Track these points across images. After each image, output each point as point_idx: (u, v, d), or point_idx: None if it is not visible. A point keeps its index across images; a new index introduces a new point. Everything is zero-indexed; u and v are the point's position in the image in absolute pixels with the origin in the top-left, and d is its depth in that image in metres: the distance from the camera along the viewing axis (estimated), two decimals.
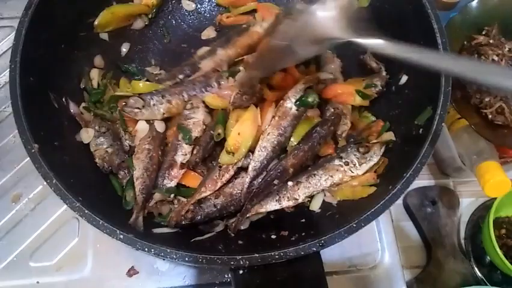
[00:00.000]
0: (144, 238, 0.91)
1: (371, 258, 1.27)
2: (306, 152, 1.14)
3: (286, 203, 1.11)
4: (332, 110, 1.22)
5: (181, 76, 1.27)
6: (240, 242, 1.04)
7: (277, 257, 0.89)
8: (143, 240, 0.90)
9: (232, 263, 0.90)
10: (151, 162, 1.13)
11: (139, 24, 1.40)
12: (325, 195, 1.16)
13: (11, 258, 1.23)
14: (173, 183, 1.13)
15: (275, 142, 1.13)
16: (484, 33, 1.45)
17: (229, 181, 1.14)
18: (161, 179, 1.13)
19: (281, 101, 1.17)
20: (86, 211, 0.92)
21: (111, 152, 1.17)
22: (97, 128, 1.19)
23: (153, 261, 1.23)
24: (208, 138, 1.16)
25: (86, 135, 1.18)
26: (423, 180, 1.47)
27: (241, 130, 1.12)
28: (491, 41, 1.42)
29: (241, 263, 0.89)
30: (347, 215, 0.99)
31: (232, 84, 1.20)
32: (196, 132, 1.16)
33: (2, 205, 1.29)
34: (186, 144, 1.14)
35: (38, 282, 1.20)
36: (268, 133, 1.13)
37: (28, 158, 0.97)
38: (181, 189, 1.16)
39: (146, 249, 0.89)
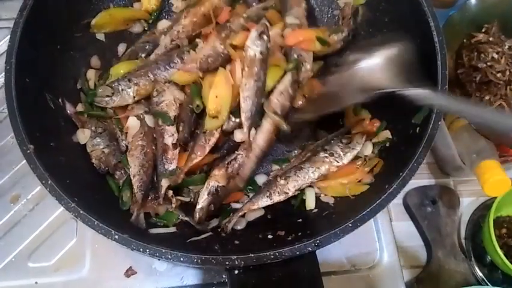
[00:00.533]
0: (139, 238, 0.91)
1: (370, 258, 1.26)
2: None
3: (277, 198, 1.13)
4: (295, 56, 1.26)
5: (143, 55, 1.30)
6: (236, 242, 1.03)
7: (272, 257, 0.89)
8: (138, 241, 0.90)
9: (227, 263, 0.90)
10: (146, 158, 1.14)
11: (137, 28, 1.40)
12: (317, 192, 1.19)
13: (9, 258, 1.23)
14: (173, 165, 1.15)
15: (254, 88, 1.14)
16: (483, 30, 1.45)
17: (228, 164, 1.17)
18: (161, 166, 1.14)
19: (243, 53, 1.17)
20: (81, 211, 0.92)
21: (108, 153, 1.17)
22: (93, 128, 1.19)
23: (151, 262, 1.23)
24: (189, 112, 1.19)
25: (83, 135, 1.19)
26: (423, 179, 1.45)
27: (217, 92, 1.14)
28: (490, 39, 1.41)
29: (236, 263, 0.89)
30: (343, 215, 0.99)
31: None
32: (172, 112, 1.18)
33: (1, 206, 1.29)
34: (168, 125, 1.16)
35: (36, 282, 1.21)
36: (245, 84, 1.14)
37: None
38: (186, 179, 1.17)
39: (141, 249, 0.90)
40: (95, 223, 0.91)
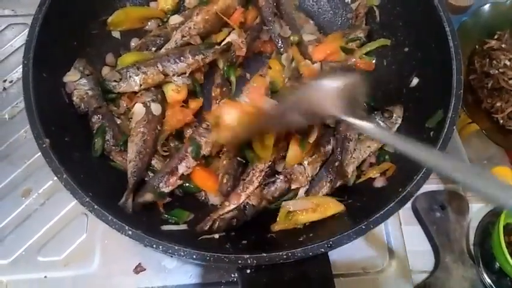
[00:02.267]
0: (152, 235, 0.91)
1: (379, 261, 1.26)
2: None
3: (338, 183, 1.17)
4: (328, 68, 1.31)
5: (153, 48, 1.32)
6: (247, 241, 1.03)
7: (285, 257, 0.89)
8: (151, 237, 0.91)
9: (239, 261, 0.90)
10: (144, 146, 1.15)
11: (152, 27, 1.41)
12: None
13: (19, 252, 1.24)
14: (167, 190, 1.15)
15: None
16: (496, 37, 1.45)
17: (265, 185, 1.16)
18: (157, 181, 1.14)
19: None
20: (96, 206, 0.93)
21: (91, 95, 1.19)
22: (81, 68, 1.20)
23: (160, 259, 1.23)
24: (236, 165, 1.17)
25: (72, 76, 1.19)
26: (432, 184, 1.44)
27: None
28: (503, 46, 1.42)
29: (249, 262, 0.89)
30: (356, 217, 0.99)
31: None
32: (205, 151, 1.18)
33: (12, 200, 1.30)
34: (192, 158, 1.16)
35: (45, 276, 1.21)
36: None
37: (39, 153, 0.98)
38: (185, 185, 1.18)
39: (154, 245, 0.90)
40: (109, 218, 0.92)
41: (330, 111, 0.94)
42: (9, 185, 1.32)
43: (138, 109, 1.20)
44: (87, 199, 0.93)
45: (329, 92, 0.95)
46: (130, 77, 1.22)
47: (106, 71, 1.30)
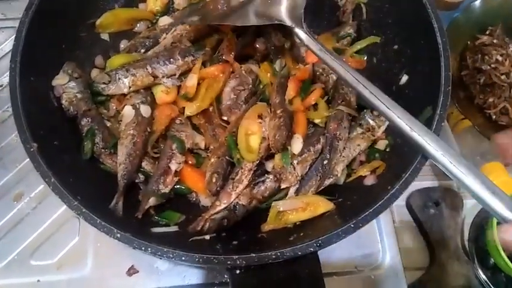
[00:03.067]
0: (141, 237, 0.91)
1: (372, 259, 1.26)
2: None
3: (328, 181, 1.17)
4: (321, 69, 1.31)
5: (142, 50, 1.31)
6: (238, 241, 1.03)
7: (274, 257, 0.89)
8: (140, 239, 0.90)
9: (228, 262, 0.90)
10: (134, 148, 1.15)
11: (141, 28, 1.40)
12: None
13: (12, 256, 1.24)
14: (167, 190, 1.14)
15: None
16: (487, 33, 1.45)
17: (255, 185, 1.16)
18: (156, 184, 1.13)
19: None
20: (84, 210, 0.93)
21: (80, 98, 1.19)
22: (69, 72, 1.21)
23: (153, 261, 1.23)
24: (225, 165, 1.17)
25: (61, 79, 1.19)
26: (426, 181, 1.45)
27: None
28: (495, 41, 1.42)
29: (238, 262, 0.89)
30: (345, 216, 0.98)
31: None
32: (188, 144, 1.19)
33: (4, 204, 1.30)
34: (179, 153, 1.16)
35: (38, 280, 1.21)
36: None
37: None
38: (177, 187, 1.17)
39: (143, 248, 0.90)
40: (98, 221, 0.92)
41: (281, 16, 1.09)
42: (1, 189, 1.33)
43: (127, 111, 1.19)
44: (75, 202, 0.93)
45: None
46: (119, 79, 1.21)
47: (95, 73, 1.30)
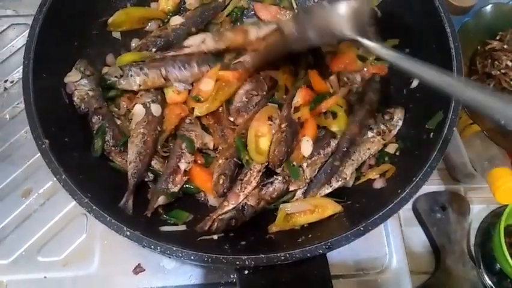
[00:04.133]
0: (151, 235, 0.91)
1: (379, 262, 1.26)
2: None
3: (336, 184, 1.18)
4: (346, 78, 1.30)
5: (153, 49, 1.30)
6: (246, 242, 1.03)
7: (282, 258, 0.89)
8: (149, 238, 0.91)
9: (237, 262, 0.90)
10: (144, 147, 1.15)
11: (153, 27, 1.40)
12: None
13: (19, 252, 1.24)
14: (176, 189, 1.15)
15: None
16: (498, 38, 1.44)
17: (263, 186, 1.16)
18: (165, 183, 1.14)
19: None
20: (94, 207, 0.93)
21: (92, 95, 1.20)
22: (82, 69, 1.21)
23: (159, 259, 1.23)
24: (233, 166, 1.16)
25: (73, 76, 1.19)
26: (433, 185, 1.45)
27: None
28: (505, 46, 1.41)
29: (247, 263, 0.89)
30: (354, 219, 0.98)
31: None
32: (198, 143, 1.19)
33: (13, 200, 1.31)
34: (189, 153, 1.17)
35: (45, 277, 1.22)
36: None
37: (39, 154, 0.98)
38: (186, 186, 1.18)
39: (152, 246, 0.90)
40: (108, 219, 0.92)
41: (343, 30, 1.01)
42: (9, 185, 1.33)
43: (138, 110, 1.19)
44: (86, 200, 0.93)
45: (339, 13, 1.02)
46: (131, 75, 1.22)
47: (106, 71, 1.29)
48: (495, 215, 1.38)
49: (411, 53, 1.24)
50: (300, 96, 1.22)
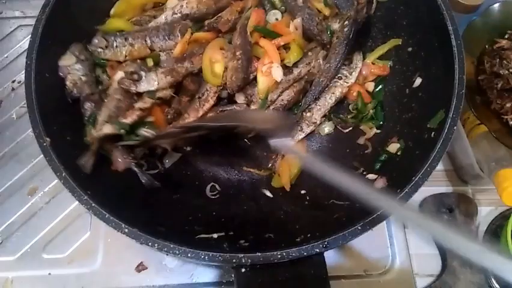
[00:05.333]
0: (148, 233, 0.92)
1: (382, 263, 1.25)
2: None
3: (308, 129, 1.29)
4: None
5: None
6: (245, 241, 1.02)
7: (279, 256, 0.89)
8: (147, 235, 0.91)
9: (234, 260, 0.90)
10: (116, 112, 1.14)
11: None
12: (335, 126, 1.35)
13: (25, 249, 1.27)
14: (127, 121, 1.14)
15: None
16: (506, 36, 1.41)
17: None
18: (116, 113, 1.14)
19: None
20: (93, 204, 0.94)
21: (84, 81, 1.18)
22: (76, 53, 1.19)
23: (162, 258, 1.24)
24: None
25: (67, 60, 1.18)
26: (440, 186, 1.42)
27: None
28: None
29: (243, 261, 0.89)
30: (353, 218, 0.97)
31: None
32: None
33: (19, 198, 1.33)
34: (149, 97, 1.18)
35: (50, 273, 1.24)
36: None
37: None
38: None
39: (150, 243, 0.90)
40: (106, 216, 0.93)
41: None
42: (16, 183, 1.36)
43: (119, 77, 1.18)
44: (85, 197, 0.94)
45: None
46: (116, 46, 1.21)
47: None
48: (503, 217, 1.35)
49: (414, 51, 1.25)
50: (254, 17, 1.23)
